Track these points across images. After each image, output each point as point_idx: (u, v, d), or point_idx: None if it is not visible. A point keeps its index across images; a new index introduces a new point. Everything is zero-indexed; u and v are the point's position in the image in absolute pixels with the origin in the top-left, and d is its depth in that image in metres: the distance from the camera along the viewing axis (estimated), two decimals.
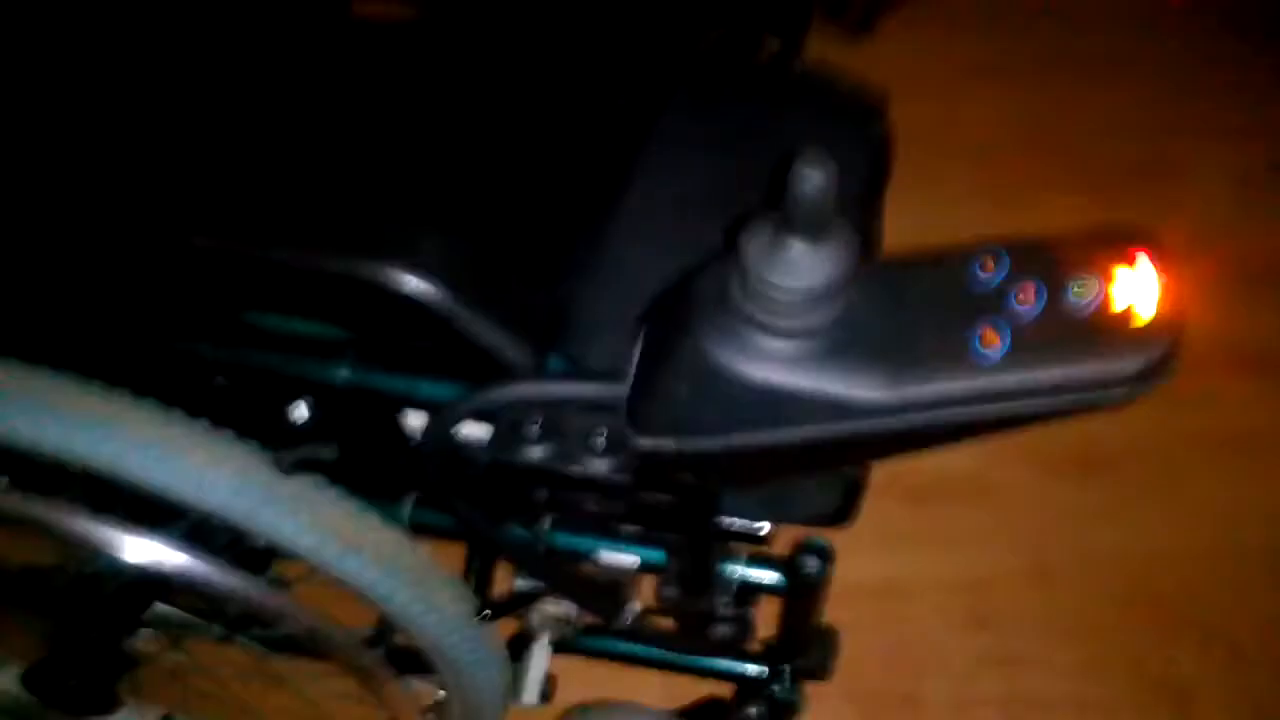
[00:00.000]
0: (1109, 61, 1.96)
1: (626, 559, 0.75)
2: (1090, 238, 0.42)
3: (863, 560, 1.27)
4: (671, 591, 0.75)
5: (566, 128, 0.90)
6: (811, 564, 0.78)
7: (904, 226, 1.58)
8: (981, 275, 0.42)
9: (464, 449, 0.52)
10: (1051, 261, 0.41)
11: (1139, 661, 1.24)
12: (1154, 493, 1.38)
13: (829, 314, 0.40)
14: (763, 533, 0.71)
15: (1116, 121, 1.86)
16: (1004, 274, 0.41)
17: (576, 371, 0.56)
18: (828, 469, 0.64)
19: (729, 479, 0.59)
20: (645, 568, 0.76)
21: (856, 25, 1.96)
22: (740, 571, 0.79)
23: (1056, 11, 2.04)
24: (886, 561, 1.27)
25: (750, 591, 0.81)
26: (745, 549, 0.80)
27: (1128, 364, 0.38)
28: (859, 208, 0.85)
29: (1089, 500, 1.36)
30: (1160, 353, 0.38)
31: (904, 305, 0.42)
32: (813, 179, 0.37)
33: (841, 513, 0.71)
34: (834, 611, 1.23)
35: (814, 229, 0.38)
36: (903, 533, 1.29)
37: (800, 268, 0.39)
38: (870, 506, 0.69)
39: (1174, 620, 1.27)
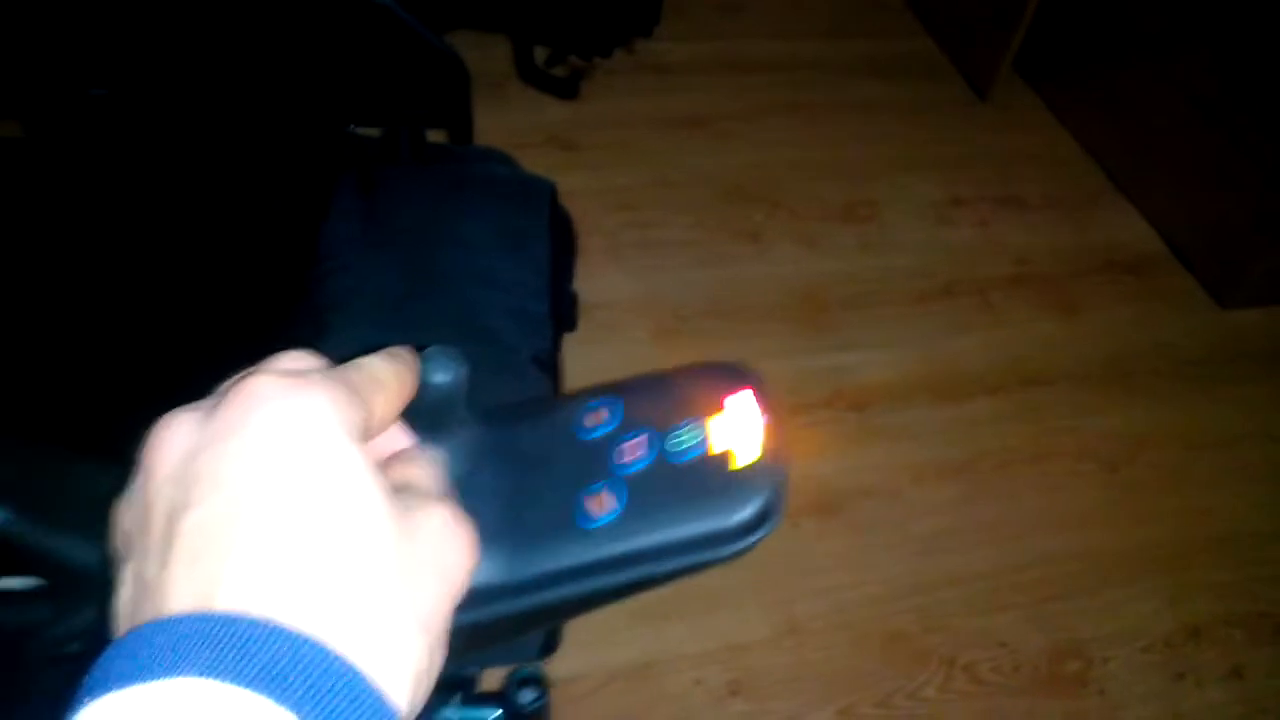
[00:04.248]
0: (805, 109, 2.07)
1: None
2: (699, 377, 0.40)
3: (620, 644, 1.24)
4: None
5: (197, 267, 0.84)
6: (527, 696, 0.74)
7: (627, 291, 1.60)
8: (592, 427, 0.40)
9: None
10: (657, 407, 0.39)
11: (886, 700, 1.27)
12: (882, 529, 1.43)
13: None
14: (469, 675, 0.67)
15: (818, 166, 1.96)
16: (615, 424, 0.39)
17: None
18: (462, 653, 0.60)
19: None
20: None
21: (563, 92, 1.99)
22: (455, 717, 0.74)
23: (753, 63, 2.14)
24: (644, 641, 1.25)
25: None
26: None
27: (736, 514, 0.36)
28: (550, 296, 0.83)
29: (829, 547, 1.39)
30: (766, 498, 0.37)
31: (515, 466, 0.39)
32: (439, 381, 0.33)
33: (548, 645, 0.68)
34: (603, 702, 1.22)
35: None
36: (656, 608, 1.27)
37: None
38: None
39: (915, 653, 1.32)
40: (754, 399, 0.39)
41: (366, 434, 0.28)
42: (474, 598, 0.36)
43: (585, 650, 1.22)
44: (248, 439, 0.26)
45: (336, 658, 0.23)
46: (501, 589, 0.37)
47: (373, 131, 0.95)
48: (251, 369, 0.28)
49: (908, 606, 1.35)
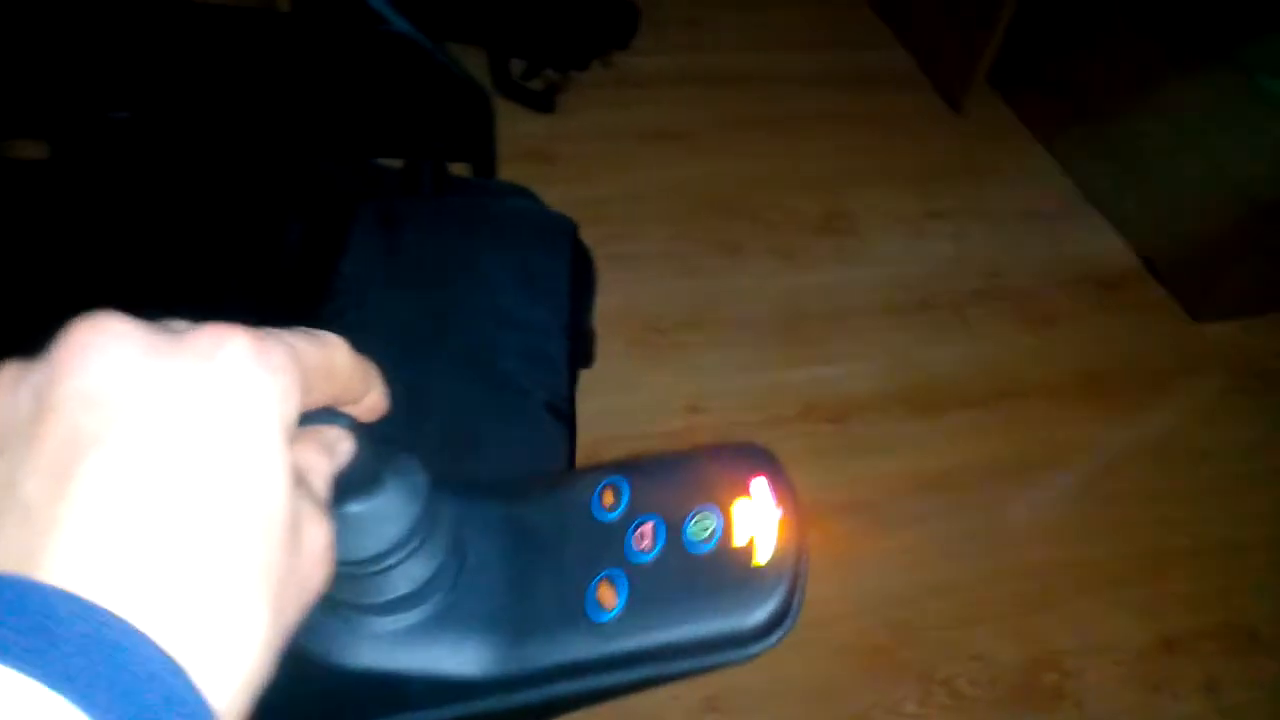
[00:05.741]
0: (780, 121, 2.07)
1: None
2: (713, 459, 0.38)
3: None
4: None
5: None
6: None
7: (604, 303, 1.60)
8: (603, 509, 0.37)
9: None
10: (672, 493, 0.37)
11: (865, 715, 1.27)
12: (858, 542, 1.43)
13: (425, 572, 0.34)
14: None
15: (795, 179, 1.96)
16: (623, 508, 0.37)
17: None
18: None
19: None
20: None
21: (540, 105, 1.98)
22: None
23: (729, 76, 2.14)
24: None
25: None
26: None
27: (750, 617, 0.35)
28: (568, 337, 0.83)
29: None
30: (782, 599, 0.35)
31: (525, 547, 0.37)
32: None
33: None
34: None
35: (357, 492, 0.32)
36: None
37: (357, 533, 0.32)
38: None
39: (893, 667, 1.32)
40: (770, 487, 0.37)
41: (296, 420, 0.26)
42: (471, 690, 0.35)
43: None
44: (194, 400, 0.23)
45: (173, 670, 0.21)
46: (501, 682, 0.35)
47: (395, 163, 0.94)
48: (224, 325, 0.25)
49: (885, 620, 1.35)
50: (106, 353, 0.23)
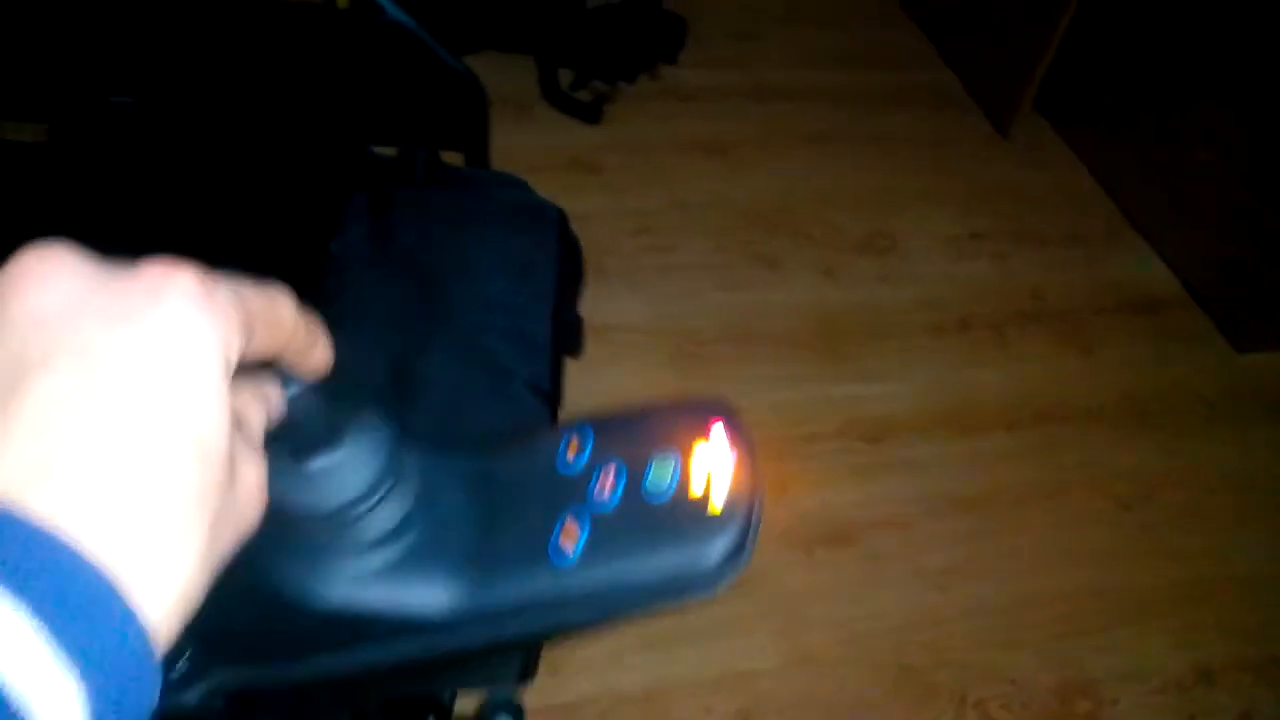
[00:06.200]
0: (825, 138, 2.08)
1: None
2: (674, 411, 0.40)
3: (628, 669, 1.24)
4: None
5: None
6: None
7: (645, 313, 1.61)
8: (569, 458, 0.39)
9: None
10: (634, 441, 0.39)
11: None
12: (894, 561, 1.43)
13: (392, 519, 0.36)
14: (444, 701, 0.67)
15: (837, 196, 1.96)
16: (588, 456, 0.39)
17: None
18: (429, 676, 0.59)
19: (334, 700, 0.53)
20: None
21: (587, 116, 2.00)
22: None
23: (774, 92, 2.15)
24: (653, 666, 1.24)
25: None
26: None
27: (707, 554, 0.36)
28: (553, 322, 0.84)
29: (841, 577, 1.39)
30: (737, 536, 0.36)
31: (492, 496, 0.39)
32: (299, 405, 0.32)
33: (525, 672, 0.67)
34: None
35: (320, 448, 0.34)
36: (666, 634, 1.27)
37: (322, 486, 0.34)
38: None
39: (926, 688, 1.31)
40: (728, 436, 0.38)
41: (236, 364, 0.27)
42: (437, 625, 0.37)
43: (593, 674, 1.21)
44: (139, 332, 0.24)
45: (105, 578, 0.22)
46: (465, 617, 0.37)
47: (389, 151, 0.96)
48: (170, 262, 0.26)
49: (919, 640, 1.35)
50: (55, 280, 0.25)
